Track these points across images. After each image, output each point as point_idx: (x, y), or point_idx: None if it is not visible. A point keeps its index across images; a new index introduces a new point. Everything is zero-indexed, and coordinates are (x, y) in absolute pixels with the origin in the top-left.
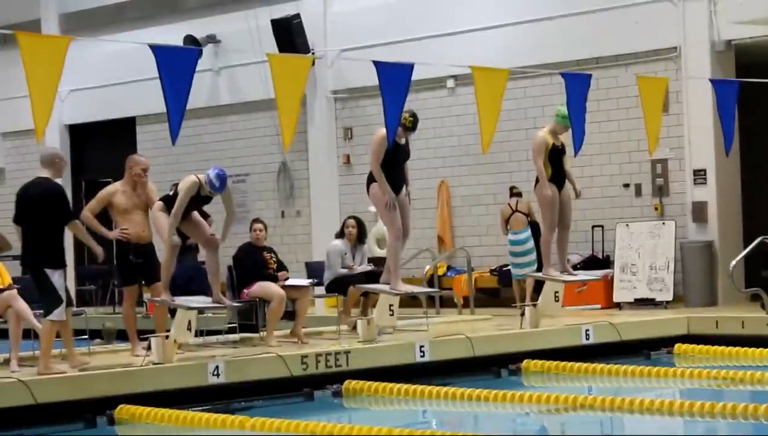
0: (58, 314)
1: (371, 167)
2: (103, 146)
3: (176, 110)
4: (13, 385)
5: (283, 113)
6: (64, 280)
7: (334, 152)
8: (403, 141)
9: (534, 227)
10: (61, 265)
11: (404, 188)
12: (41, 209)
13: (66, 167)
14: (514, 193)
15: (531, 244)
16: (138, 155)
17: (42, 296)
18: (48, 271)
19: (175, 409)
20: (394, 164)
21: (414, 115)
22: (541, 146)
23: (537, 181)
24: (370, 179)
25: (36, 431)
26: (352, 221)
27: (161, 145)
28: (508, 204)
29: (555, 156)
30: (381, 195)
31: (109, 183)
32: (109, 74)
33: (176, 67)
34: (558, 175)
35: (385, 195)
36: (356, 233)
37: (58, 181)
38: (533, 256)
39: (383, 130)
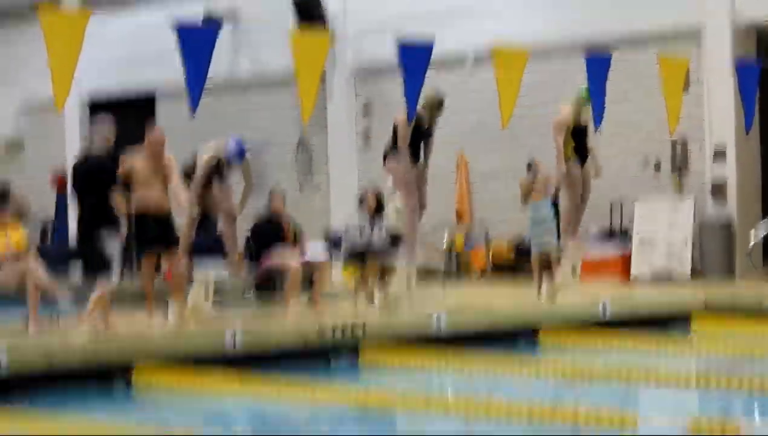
0: (111, 277)
1: (399, 144)
2: (122, 121)
3: (196, 86)
4: (32, 348)
5: (303, 89)
6: (118, 245)
7: (353, 128)
8: (426, 125)
9: (555, 200)
10: (116, 228)
11: (420, 162)
12: (95, 176)
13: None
14: (533, 167)
15: (551, 216)
16: (155, 131)
17: (95, 260)
18: (104, 233)
19: (193, 374)
20: (414, 142)
21: (439, 95)
22: (561, 124)
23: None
24: (386, 154)
25: (54, 394)
26: (370, 195)
27: (181, 121)
28: (527, 178)
29: (578, 133)
30: (398, 169)
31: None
32: (129, 49)
33: (196, 43)
34: (581, 152)
35: (405, 174)
36: (374, 205)
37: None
38: (553, 228)
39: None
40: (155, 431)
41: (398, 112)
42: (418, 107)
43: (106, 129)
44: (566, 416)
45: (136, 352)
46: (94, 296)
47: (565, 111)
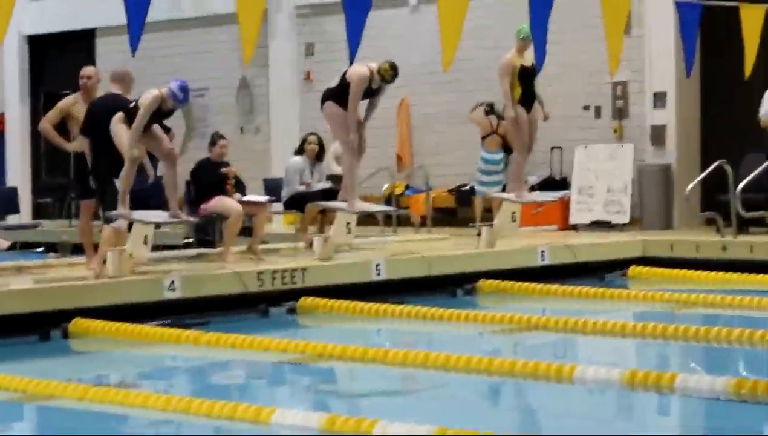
0: (120, 222)
1: (350, 106)
2: (62, 58)
3: (136, 22)
4: None
5: (244, 27)
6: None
7: (295, 68)
8: (375, 86)
9: (507, 150)
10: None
11: (361, 115)
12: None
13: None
14: (495, 111)
15: (502, 167)
16: (87, 66)
17: (108, 206)
18: (117, 182)
19: (130, 323)
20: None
21: (394, 68)
22: (507, 68)
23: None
24: (325, 97)
25: None
26: (313, 138)
27: (121, 59)
28: (490, 122)
29: (525, 77)
30: (337, 114)
31: (67, 95)
32: None
33: None
34: (528, 97)
35: (345, 120)
36: (317, 149)
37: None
38: (501, 178)
39: (365, 71)
40: (91, 383)
41: (355, 69)
42: (373, 66)
43: (124, 75)
44: (504, 367)
45: (74, 301)
46: (104, 238)
47: (510, 54)
